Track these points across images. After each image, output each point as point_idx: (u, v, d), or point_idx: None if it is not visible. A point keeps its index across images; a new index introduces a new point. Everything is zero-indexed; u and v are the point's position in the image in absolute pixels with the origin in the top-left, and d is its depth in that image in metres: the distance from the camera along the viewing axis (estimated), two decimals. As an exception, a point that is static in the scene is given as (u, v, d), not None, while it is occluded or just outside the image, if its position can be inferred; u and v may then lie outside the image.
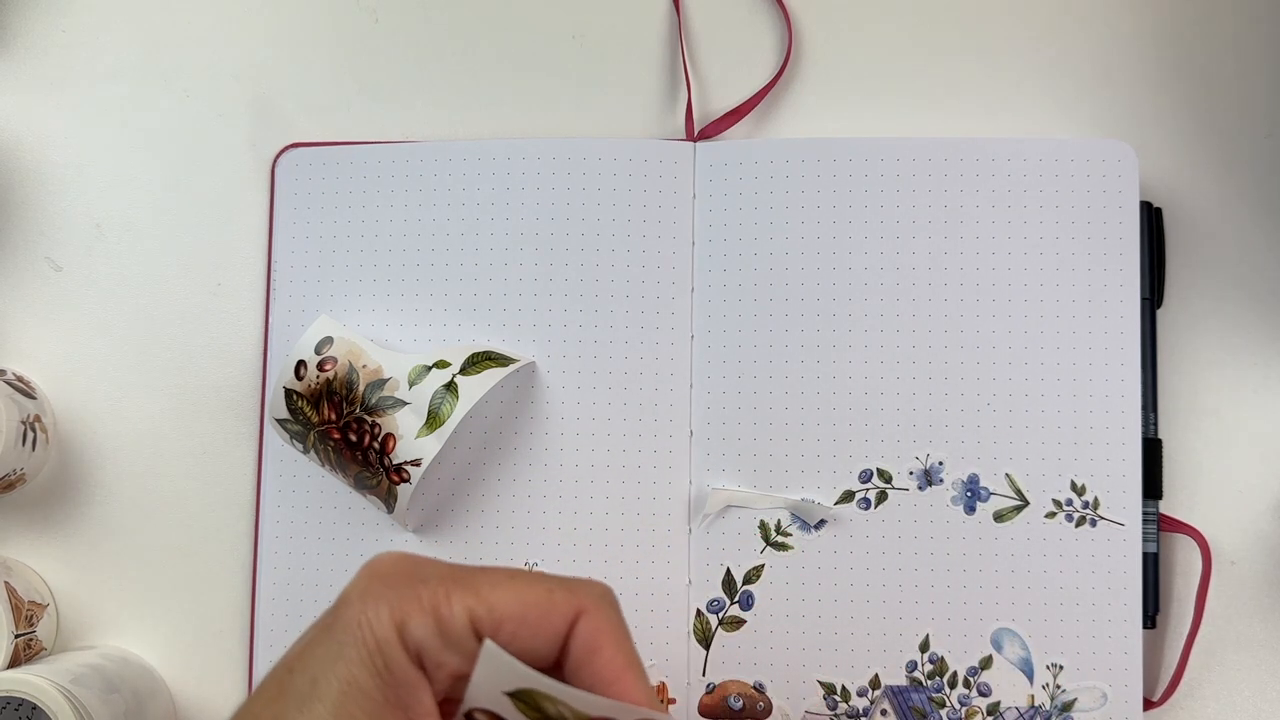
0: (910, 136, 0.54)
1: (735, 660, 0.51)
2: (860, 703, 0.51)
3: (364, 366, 0.50)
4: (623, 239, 0.53)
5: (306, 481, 0.53)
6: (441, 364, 0.50)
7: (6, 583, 0.51)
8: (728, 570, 0.52)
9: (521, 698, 0.30)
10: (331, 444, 0.50)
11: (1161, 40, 0.55)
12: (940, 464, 0.52)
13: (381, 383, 0.50)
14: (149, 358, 0.55)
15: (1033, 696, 0.51)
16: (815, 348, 0.52)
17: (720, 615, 0.52)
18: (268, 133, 0.56)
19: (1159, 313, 0.53)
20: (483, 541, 0.52)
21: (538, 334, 0.53)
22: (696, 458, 0.52)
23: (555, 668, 0.32)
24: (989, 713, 0.51)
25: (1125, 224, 0.52)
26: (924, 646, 0.51)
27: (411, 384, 0.50)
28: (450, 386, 0.49)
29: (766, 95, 0.55)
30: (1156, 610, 0.52)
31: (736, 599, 0.52)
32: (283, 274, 0.54)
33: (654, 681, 0.51)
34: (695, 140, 0.54)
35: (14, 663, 0.50)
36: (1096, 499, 0.51)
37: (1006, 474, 0.52)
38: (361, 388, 0.50)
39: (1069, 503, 0.51)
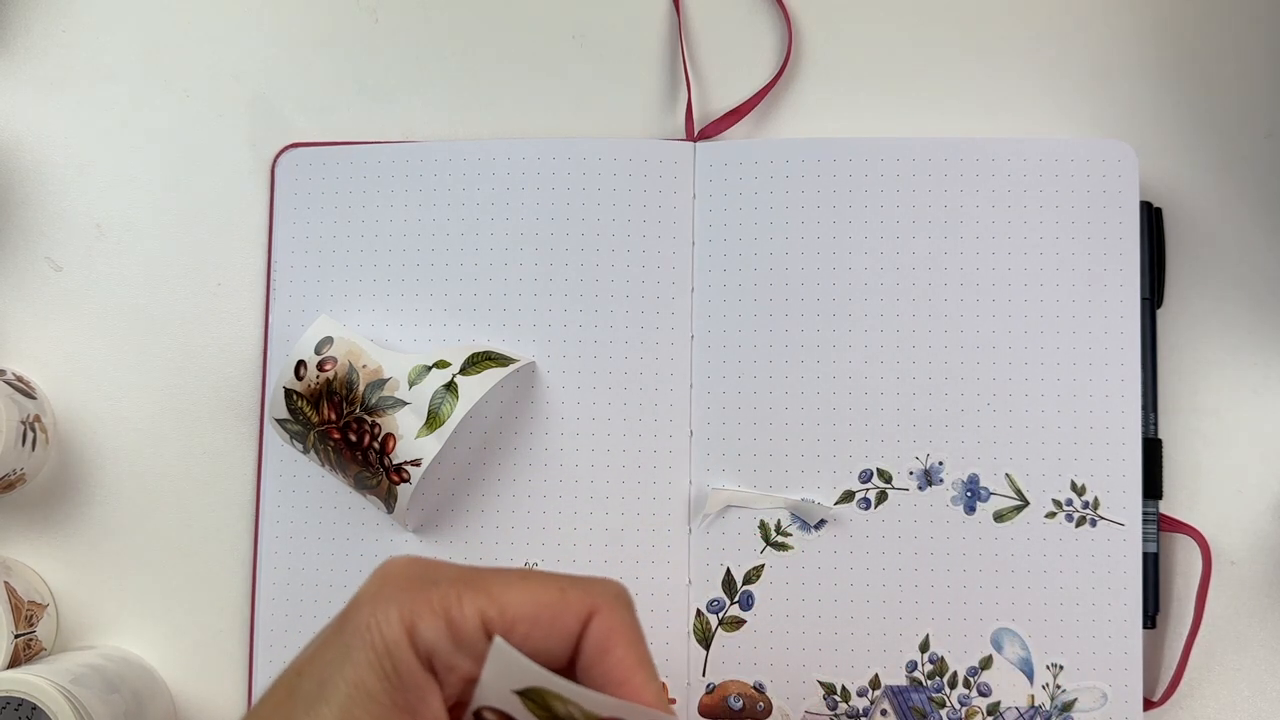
0: (910, 136, 0.54)
1: (735, 660, 0.51)
2: (860, 703, 0.51)
3: (364, 366, 0.50)
4: (623, 239, 0.53)
5: (306, 481, 0.53)
6: (441, 364, 0.50)
7: (6, 583, 0.51)
8: (728, 570, 0.52)
9: (531, 696, 0.30)
10: (331, 444, 0.50)
11: (1161, 40, 0.55)
12: (940, 464, 0.52)
13: (381, 383, 0.50)
14: (149, 358, 0.55)
15: (1033, 696, 0.51)
16: (815, 348, 0.52)
17: (720, 615, 0.52)
18: (268, 133, 0.56)
19: (1159, 313, 0.53)
20: (483, 541, 0.52)
21: (538, 334, 0.53)
22: (696, 458, 0.52)
23: (568, 667, 0.32)
24: (989, 713, 0.51)
25: (1125, 224, 0.52)
26: (924, 646, 0.51)
27: (411, 384, 0.50)
28: (450, 386, 0.49)
29: (766, 95, 0.55)
30: (1156, 610, 0.52)
31: (736, 599, 0.52)
32: (283, 274, 0.54)
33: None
34: (695, 140, 0.54)
35: (14, 663, 0.50)
36: (1096, 499, 0.51)
37: (1006, 474, 0.52)
38: (361, 388, 0.50)
39: (1069, 503, 0.51)
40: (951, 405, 0.52)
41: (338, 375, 0.50)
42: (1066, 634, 0.51)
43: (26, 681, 0.46)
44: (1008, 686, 0.51)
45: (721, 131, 0.54)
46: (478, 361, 0.51)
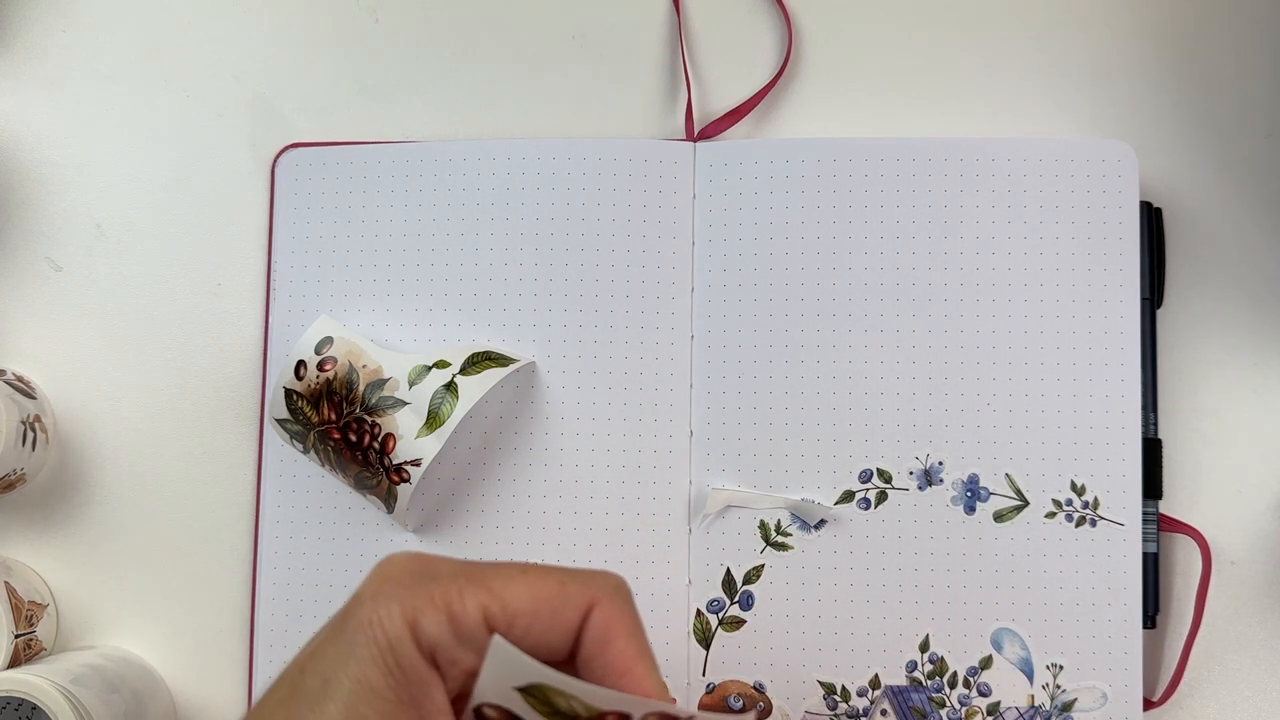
0: (910, 136, 0.54)
1: (735, 660, 0.51)
2: (860, 703, 0.51)
3: (364, 366, 0.50)
4: (623, 239, 0.53)
5: (306, 481, 0.53)
6: (441, 364, 0.50)
7: (6, 583, 0.51)
8: (728, 570, 0.52)
9: (531, 692, 0.30)
10: (331, 444, 0.50)
11: (1161, 40, 0.55)
12: (940, 464, 0.52)
13: (381, 383, 0.50)
14: (149, 358, 0.55)
15: (1033, 696, 0.51)
16: (815, 348, 0.52)
17: (720, 615, 0.52)
18: (268, 133, 0.56)
19: (1159, 313, 0.53)
20: (483, 541, 0.52)
21: (538, 334, 0.53)
22: (696, 458, 0.52)
23: (569, 659, 0.32)
24: (989, 713, 0.51)
25: (1125, 224, 0.52)
26: (924, 646, 0.51)
27: (411, 384, 0.50)
28: (450, 386, 0.49)
29: (766, 95, 0.55)
30: (1156, 610, 0.52)
31: (736, 599, 0.52)
32: (283, 274, 0.54)
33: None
34: (695, 140, 0.54)
35: (14, 663, 0.50)
36: (1096, 499, 0.51)
37: (1006, 474, 0.52)
38: (361, 388, 0.50)
39: (1069, 503, 0.51)
40: (951, 405, 0.52)
41: (338, 375, 0.50)
42: (1066, 634, 0.51)
43: (26, 681, 0.47)
44: (1008, 686, 0.51)
45: (721, 131, 0.55)
46: (478, 361, 0.51)
